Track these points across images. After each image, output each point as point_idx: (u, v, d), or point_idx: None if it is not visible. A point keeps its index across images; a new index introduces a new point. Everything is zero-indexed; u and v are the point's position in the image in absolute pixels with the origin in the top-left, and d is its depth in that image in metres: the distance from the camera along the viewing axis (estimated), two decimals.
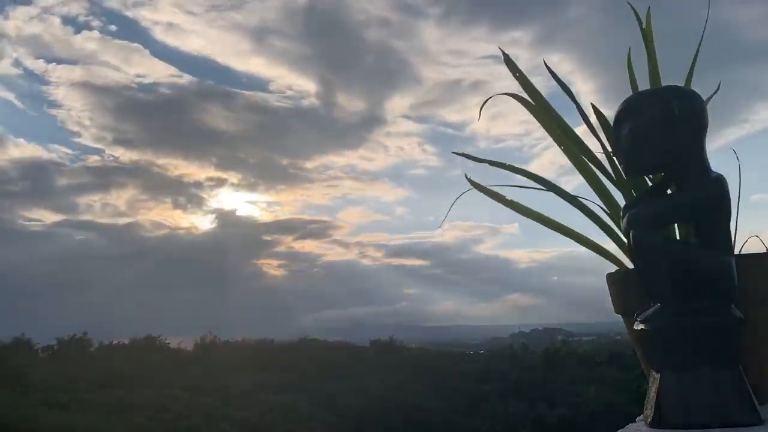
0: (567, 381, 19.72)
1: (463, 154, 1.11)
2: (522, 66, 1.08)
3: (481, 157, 1.11)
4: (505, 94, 1.10)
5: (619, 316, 1.04)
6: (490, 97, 1.11)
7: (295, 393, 17.54)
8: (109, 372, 15.87)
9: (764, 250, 0.99)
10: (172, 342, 22.59)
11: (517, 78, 1.09)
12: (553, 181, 1.09)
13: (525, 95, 1.08)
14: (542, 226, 1.09)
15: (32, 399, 12.43)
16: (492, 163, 1.11)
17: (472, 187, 1.10)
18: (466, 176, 1.10)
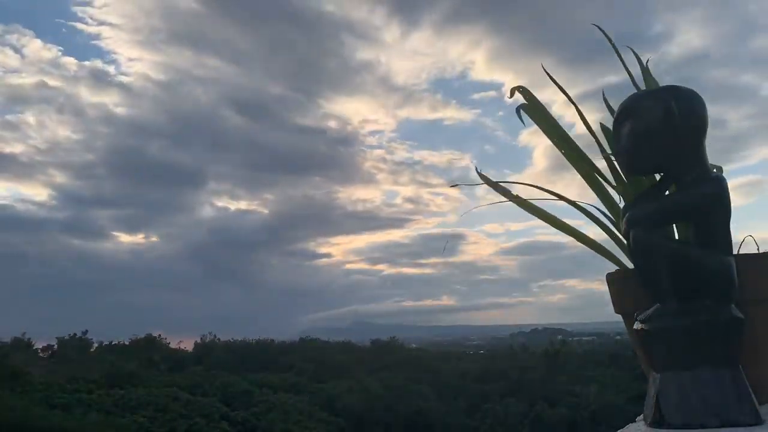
0: (567, 381, 19.71)
1: (459, 185, 1.23)
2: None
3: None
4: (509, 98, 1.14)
5: (619, 316, 1.04)
6: (520, 105, 1.14)
7: (295, 393, 17.53)
8: (109, 372, 15.86)
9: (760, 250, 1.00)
10: (172, 342, 22.59)
11: (519, 91, 1.13)
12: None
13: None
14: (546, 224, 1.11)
15: (32, 399, 12.42)
16: (488, 183, 1.16)
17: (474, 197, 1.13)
18: (476, 170, 1.16)
